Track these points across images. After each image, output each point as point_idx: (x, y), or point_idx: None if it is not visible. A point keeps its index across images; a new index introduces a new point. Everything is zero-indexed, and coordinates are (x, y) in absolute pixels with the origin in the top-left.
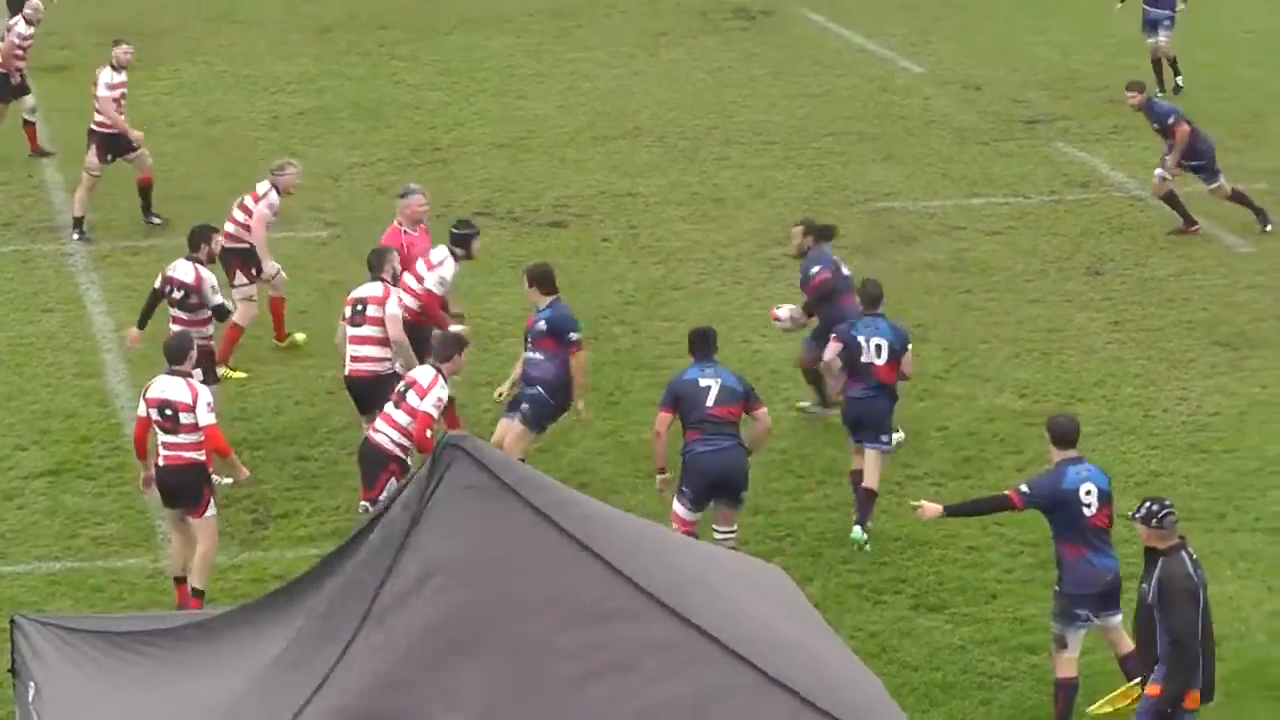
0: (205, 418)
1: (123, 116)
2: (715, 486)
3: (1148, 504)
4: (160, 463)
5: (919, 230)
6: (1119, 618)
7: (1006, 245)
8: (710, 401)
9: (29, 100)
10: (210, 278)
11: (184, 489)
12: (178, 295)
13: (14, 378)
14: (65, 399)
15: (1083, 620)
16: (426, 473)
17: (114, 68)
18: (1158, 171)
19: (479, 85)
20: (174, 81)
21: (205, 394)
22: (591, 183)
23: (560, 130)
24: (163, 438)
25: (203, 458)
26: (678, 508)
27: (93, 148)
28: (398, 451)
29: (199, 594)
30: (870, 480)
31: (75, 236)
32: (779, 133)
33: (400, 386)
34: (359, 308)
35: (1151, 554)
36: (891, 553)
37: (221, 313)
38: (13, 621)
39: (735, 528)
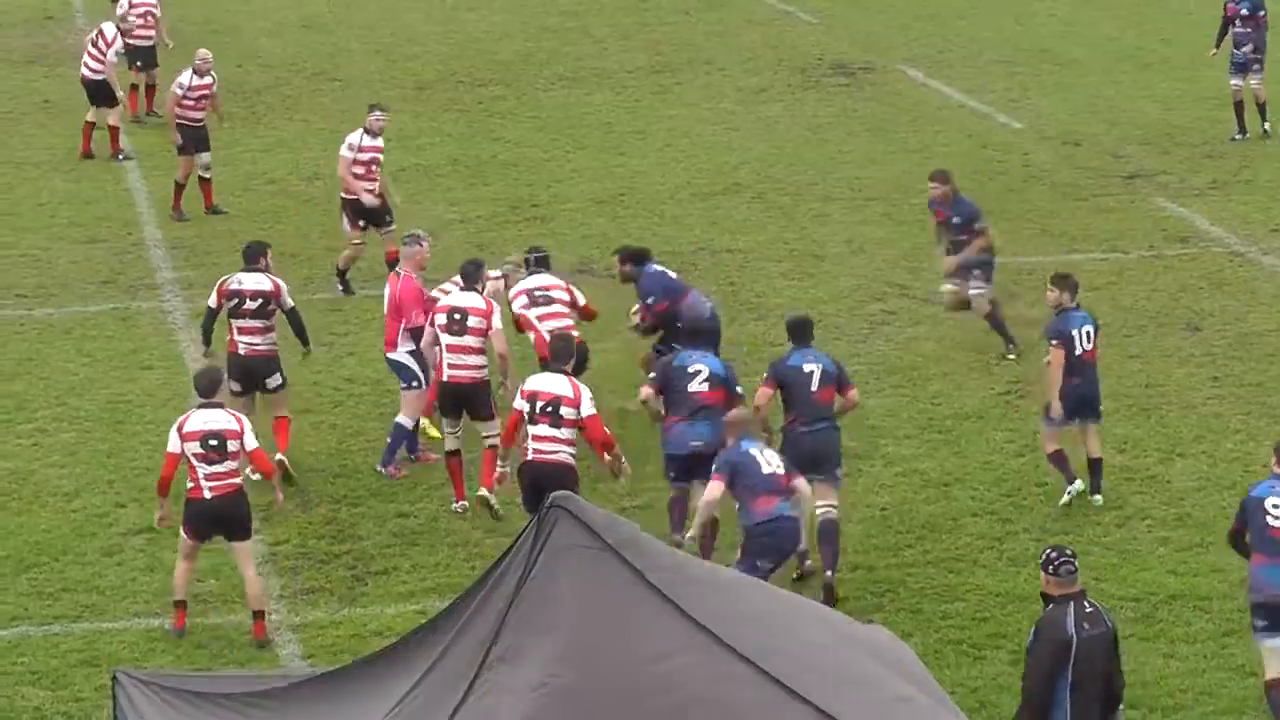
0: (252, 442)
1: (371, 184)
2: (813, 463)
3: (1049, 551)
4: (208, 495)
5: (1018, 286)
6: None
7: (1106, 301)
8: (814, 386)
9: (206, 157)
10: (284, 284)
11: (237, 515)
12: (253, 305)
13: (114, 435)
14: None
15: (1259, 630)
16: (532, 534)
17: (366, 131)
18: (948, 287)
19: (578, 142)
20: (273, 139)
21: (248, 421)
22: (690, 239)
23: (659, 186)
24: (207, 469)
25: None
26: None
27: (344, 216)
28: (574, 463)
29: (264, 615)
30: (1099, 449)
31: (340, 290)
32: (878, 189)
33: (544, 405)
34: (457, 316)
35: (1046, 601)
36: (991, 608)
37: (295, 314)
38: (114, 678)
39: (836, 502)
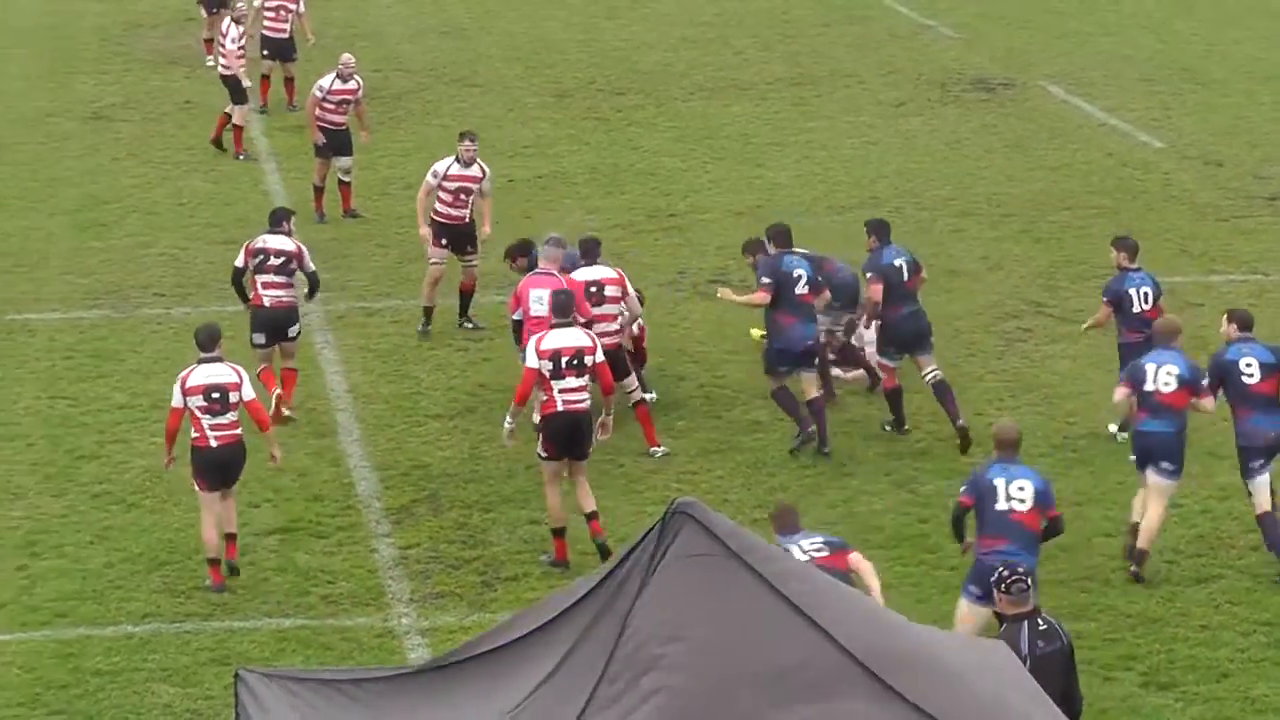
0: (250, 394)
1: (459, 210)
2: (914, 341)
3: (1001, 569)
4: (214, 444)
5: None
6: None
7: None
8: (905, 277)
9: (345, 161)
10: (305, 248)
11: (237, 462)
12: (277, 262)
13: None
14: (298, 458)
15: (1254, 470)
16: (655, 539)
17: (457, 159)
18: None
19: (715, 153)
20: (412, 143)
21: (246, 374)
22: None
23: (796, 199)
24: (211, 420)
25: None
26: (884, 361)
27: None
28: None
29: (235, 537)
30: None
31: (420, 328)
32: (1016, 205)
33: (569, 360)
34: (593, 289)
35: (1000, 620)
36: (1122, 629)
37: (314, 277)
38: (237, 675)
39: (937, 365)
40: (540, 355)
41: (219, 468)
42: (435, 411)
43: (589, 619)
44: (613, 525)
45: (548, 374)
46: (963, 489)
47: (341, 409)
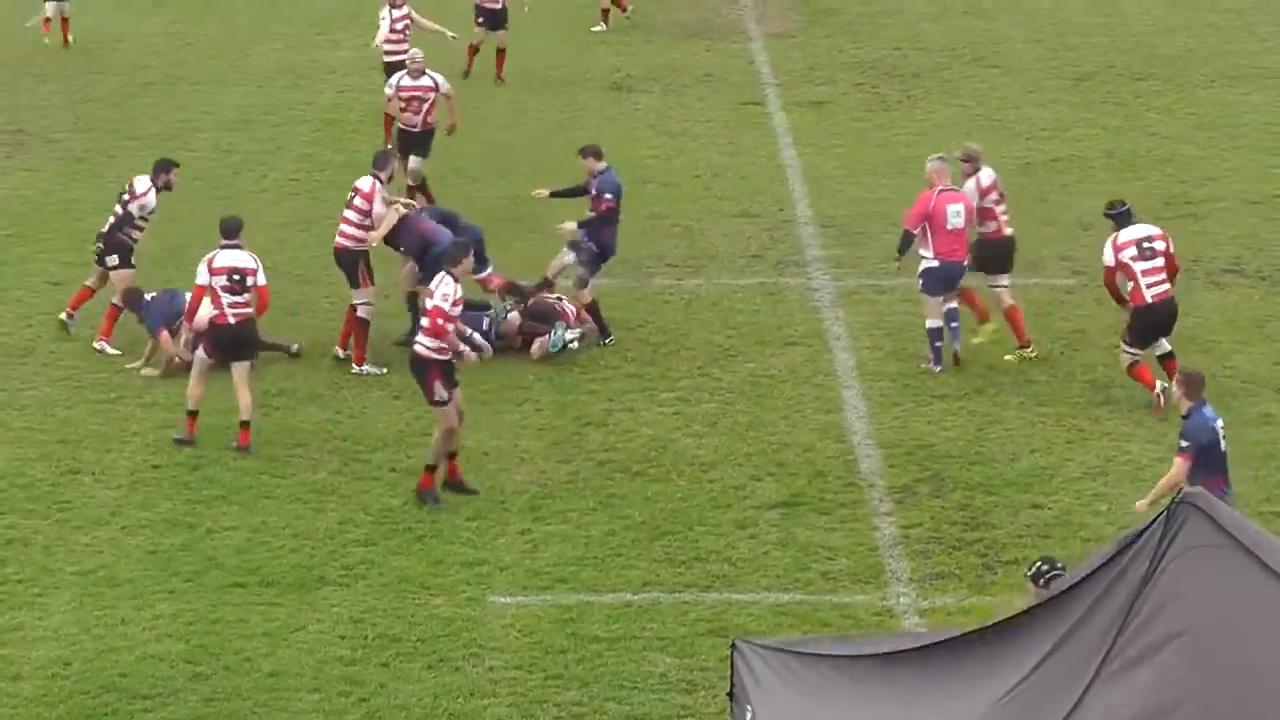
0: (262, 280)
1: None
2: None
3: (1039, 563)
4: (232, 320)
5: None
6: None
7: None
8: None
9: (414, 163)
10: (382, 192)
11: (249, 337)
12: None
13: (754, 409)
14: (803, 433)
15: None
16: (1160, 528)
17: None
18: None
19: (1235, 141)
20: (928, 123)
21: (261, 262)
22: None
23: None
24: (230, 299)
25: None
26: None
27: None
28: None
29: (249, 425)
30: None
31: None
32: None
33: None
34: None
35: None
36: None
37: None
38: (733, 646)
39: None
40: None
41: (231, 340)
42: (941, 392)
43: (1084, 607)
44: (1117, 513)
45: None
46: (1183, 446)
47: (848, 386)
